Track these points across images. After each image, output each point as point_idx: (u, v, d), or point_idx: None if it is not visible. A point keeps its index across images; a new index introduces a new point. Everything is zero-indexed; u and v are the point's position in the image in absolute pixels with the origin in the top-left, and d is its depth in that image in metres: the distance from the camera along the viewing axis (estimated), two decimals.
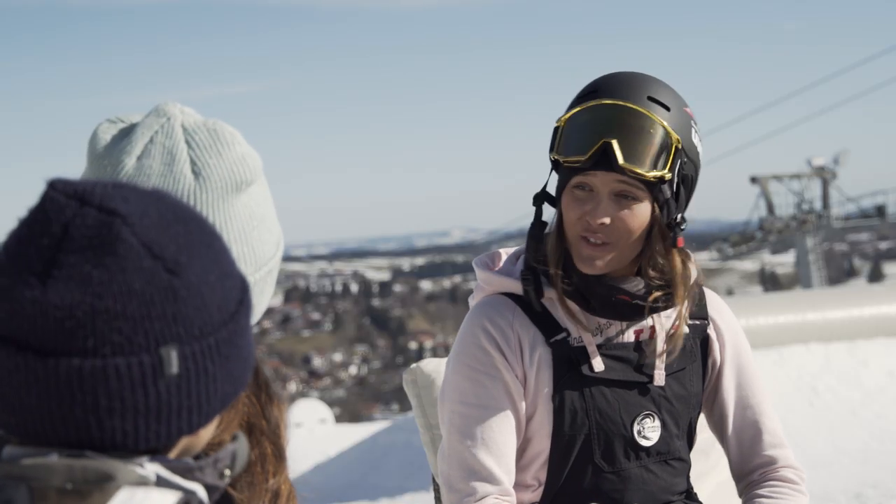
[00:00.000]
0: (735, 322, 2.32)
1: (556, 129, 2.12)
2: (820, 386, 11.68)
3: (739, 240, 32.44)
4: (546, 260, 2.15)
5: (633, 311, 2.13)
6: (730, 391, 2.28)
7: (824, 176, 31.58)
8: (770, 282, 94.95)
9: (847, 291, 15.82)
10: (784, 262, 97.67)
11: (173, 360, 1.03)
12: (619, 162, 2.02)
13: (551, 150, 2.12)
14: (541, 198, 2.17)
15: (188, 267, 1.05)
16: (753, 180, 31.94)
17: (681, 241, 2.14)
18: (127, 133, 1.54)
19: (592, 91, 2.10)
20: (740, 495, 2.32)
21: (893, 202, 41.59)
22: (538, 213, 2.17)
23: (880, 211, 31.87)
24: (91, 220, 1.03)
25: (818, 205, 31.47)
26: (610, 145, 2.02)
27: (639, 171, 2.03)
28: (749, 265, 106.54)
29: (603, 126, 2.04)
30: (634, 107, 2.05)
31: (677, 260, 2.14)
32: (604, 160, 2.03)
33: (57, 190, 1.06)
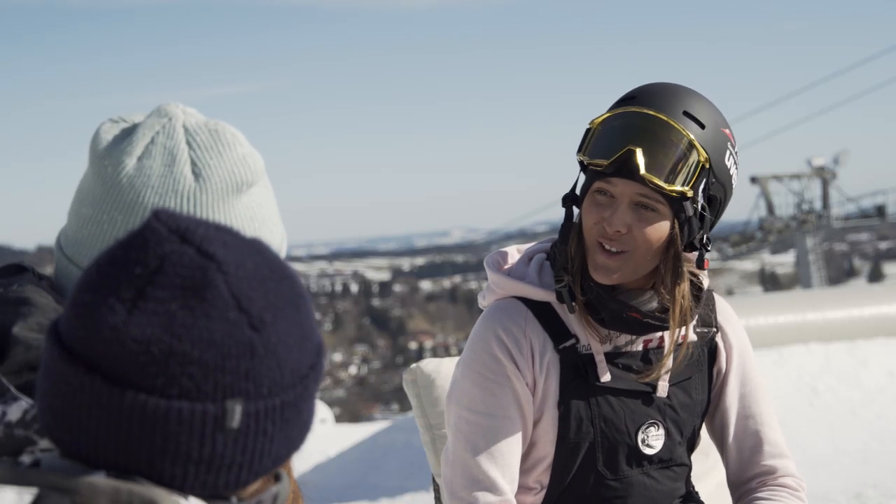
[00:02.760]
0: (742, 330, 2.31)
1: (587, 130, 2.09)
2: (820, 386, 11.67)
3: (739, 240, 32.34)
4: (567, 265, 2.11)
5: (643, 327, 2.10)
6: (733, 400, 2.26)
7: (824, 176, 31.52)
8: (770, 282, 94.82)
9: (847, 291, 15.80)
10: (784, 262, 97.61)
11: (237, 415, 1.03)
12: (641, 171, 1.98)
13: (579, 150, 2.09)
14: (569, 199, 2.13)
15: (271, 325, 1.04)
16: (753, 180, 31.88)
17: (707, 263, 2.10)
18: (128, 133, 1.53)
19: (631, 98, 2.07)
20: (736, 503, 2.30)
21: (893, 202, 41.53)
22: (568, 215, 2.13)
23: (880, 211, 31.81)
24: (188, 259, 1.03)
25: (818, 205, 31.41)
26: (633, 153, 1.98)
27: (659, 182, 1.98)
28: (749, 265, 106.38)
29: (631, 133, 2.01)
30: (665, 118, 2.01)
31: (684, 288, 2.10)
32: (626, 168, 1.99)
33: (160, 221, 1.05)
